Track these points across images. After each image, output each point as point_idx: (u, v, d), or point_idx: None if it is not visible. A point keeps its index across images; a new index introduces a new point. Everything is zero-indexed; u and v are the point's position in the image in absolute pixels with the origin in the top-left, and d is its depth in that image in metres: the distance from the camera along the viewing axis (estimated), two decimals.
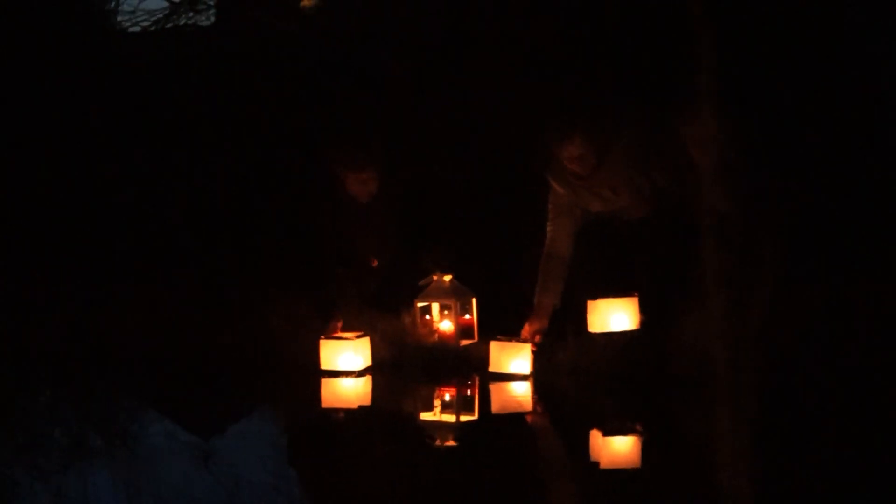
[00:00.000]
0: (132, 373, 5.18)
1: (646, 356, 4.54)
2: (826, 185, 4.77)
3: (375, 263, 5.41)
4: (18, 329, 5.66)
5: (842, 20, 5.08)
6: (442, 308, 5.07)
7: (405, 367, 4.92)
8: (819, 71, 5.01)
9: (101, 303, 5.72)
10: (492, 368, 4.76)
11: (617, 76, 5.33)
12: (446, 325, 5.06)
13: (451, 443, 4.03)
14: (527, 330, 4.86)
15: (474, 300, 5.11)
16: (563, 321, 4.85)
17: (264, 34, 6.51)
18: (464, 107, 5.85)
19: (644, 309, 4.75)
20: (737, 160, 4.56)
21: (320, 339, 4.92)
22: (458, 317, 5.05)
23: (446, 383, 4.81)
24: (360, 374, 4.88)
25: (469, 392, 4.79)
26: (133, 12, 7.12)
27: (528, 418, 4.38)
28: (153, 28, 7.09)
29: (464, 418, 4.36)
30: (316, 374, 4.84)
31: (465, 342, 5.06)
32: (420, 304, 5.08)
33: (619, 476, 3.39)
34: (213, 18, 7.14)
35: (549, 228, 5.00)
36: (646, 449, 3.75)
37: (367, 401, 4.69)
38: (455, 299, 5.04)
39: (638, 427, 4.10)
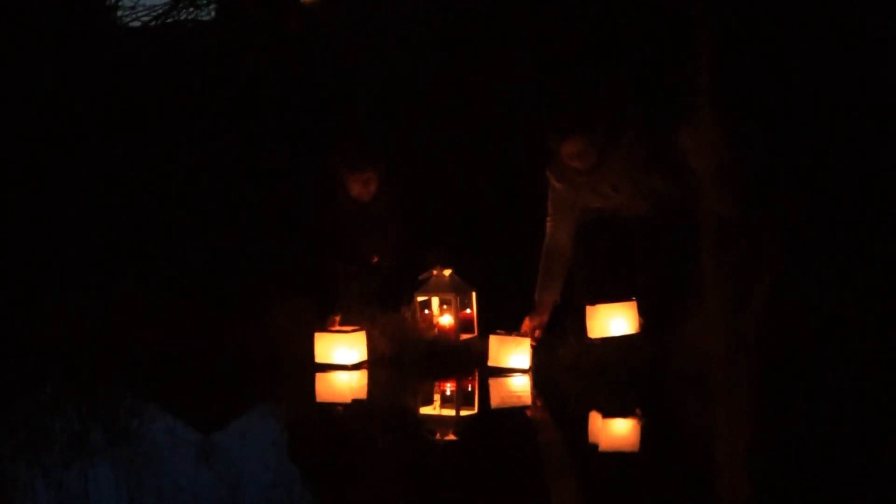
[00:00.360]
0: (134, 369, 5.19)
1: (645, 356, 4.55)
2: (825, 185, 4.78)
3: (377, 260, 5.43)
4: (21, 324, 5.68)
5: (842, 21, 5.08)
6: (442, 302, 5.09)
7: (405, 361, 4.94)
8: (819, 71, 5.01)
9: (103, 299, 5.74)
10: (491, 363, 4.78)
11: (617, 75, 5.33)
12: (446, 320, 5.08)
13: (450, 437, 4.05)
14: (527, 325, 4.88)
15: (474, 294, 5.12)
16: (563, 318, 4.86)
17: (265, 31, 6.51)
18: (465, 103, 5.86)
19: (643, 312, 4.76)
20: (736, 162, 4.57)
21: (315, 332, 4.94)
22: (457, 311, 5.07)
23: (446, 378, 4.83)
24: (355, 367, 4.89)
25: (469, 386, 4.81)
26: (134, 7, 7.13)
27: (528, 413, 4.40)
28: (154, 23, 7.10)
29: (464, 412, 4.38)
30: (315, 369, 4.86)
31: (464, 336, 5.07)
32: (420, 299, 5.10)
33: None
34: (213, 14, 7.15)
35: (548, 225, 5.01)
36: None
37: (362, 395, 4.70)
38: (455, 294, 5.06)
39: (637, 411, 4.14)
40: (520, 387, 4.61)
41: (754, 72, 4.98)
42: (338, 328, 4.97)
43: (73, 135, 6.52)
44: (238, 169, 6.39)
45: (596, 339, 4.73)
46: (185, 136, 6.46)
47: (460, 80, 5.90)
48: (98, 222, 6.44)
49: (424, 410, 4.45)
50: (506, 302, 5.11)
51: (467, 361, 4.92)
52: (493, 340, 4.80)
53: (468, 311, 5.11)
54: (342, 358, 4.88)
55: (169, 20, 7.06)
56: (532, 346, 4.77)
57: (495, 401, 4.53)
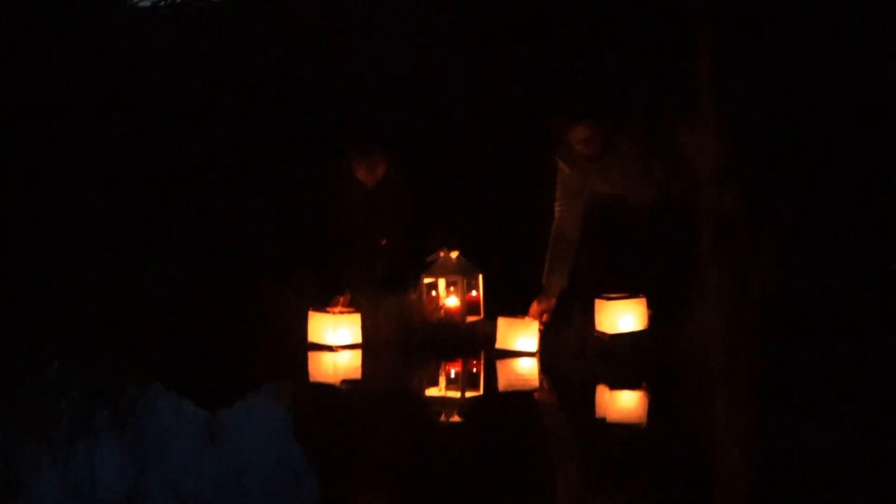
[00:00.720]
0: (139, 348, 5.19)
1: (652, 349, 4.54)
2: (826, 182, 4.77)
3: (384, 243, 5.43)
4: (27, 303, 5.69)
5: (844, 16, 5.05)
6: (448, 284, 5.08)
7: (411, 343, 4.92)
8: (819, 71, 4.99)
9: (108, 278, 5.74)
10: (499, 345, 4.77)
11: (624, 64, 5.31)
12: (452, 302, 5.07)
13: (456, 419, 4.04)
14: (534, 309, 4.87)
15: (481, 277, 5.11)
16: (571, 302, 4.85)
17: (271, 18, 6.50)
18: (473, 89, 5.85)
19: (651, 304, 4.73)
20: (736, 160, 4.56)
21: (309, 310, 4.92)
22: (464, 293, 5.05)
23: (452, 360, 4.82)
24: (347, 348, 4.87)
25: (474, 368, 4.80)
26: None
27: (535, 395, 4.39)
28: (162, 3, 7.07)
29: (469, 394, 4.37)
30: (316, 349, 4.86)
31: (471, 318, 5.06)
32: (426, 281, 5.09)
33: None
34: None
35: (557, 209, 5.01)
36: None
37: (355, 376, 4.69)
38: (461, 276, 5.04)
39: (644, 385, 4.17)
40: (527, 369, 4.60)
41: (756, 66, 4.96)
42: (341, 309, 4.96)
43: (81, 121, 6.50)
44: (245, 153, 6.37)
45: (603, 334, 4.71)
46: (190, 119, 6.44)
47: (468, 66, 5.87)
48: (102, 201, 6.43)
49: (430, 392, 4.45)
50: (512, 285, 5.10)
51: (473, 344, 4.91)
52: (502, 322, 4.79)
53: (474, 293, 5.10)
54: (334, 339, 4.86)
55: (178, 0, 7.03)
56: (539, 331, 4.76)
57: (503, 383, 4.52)
